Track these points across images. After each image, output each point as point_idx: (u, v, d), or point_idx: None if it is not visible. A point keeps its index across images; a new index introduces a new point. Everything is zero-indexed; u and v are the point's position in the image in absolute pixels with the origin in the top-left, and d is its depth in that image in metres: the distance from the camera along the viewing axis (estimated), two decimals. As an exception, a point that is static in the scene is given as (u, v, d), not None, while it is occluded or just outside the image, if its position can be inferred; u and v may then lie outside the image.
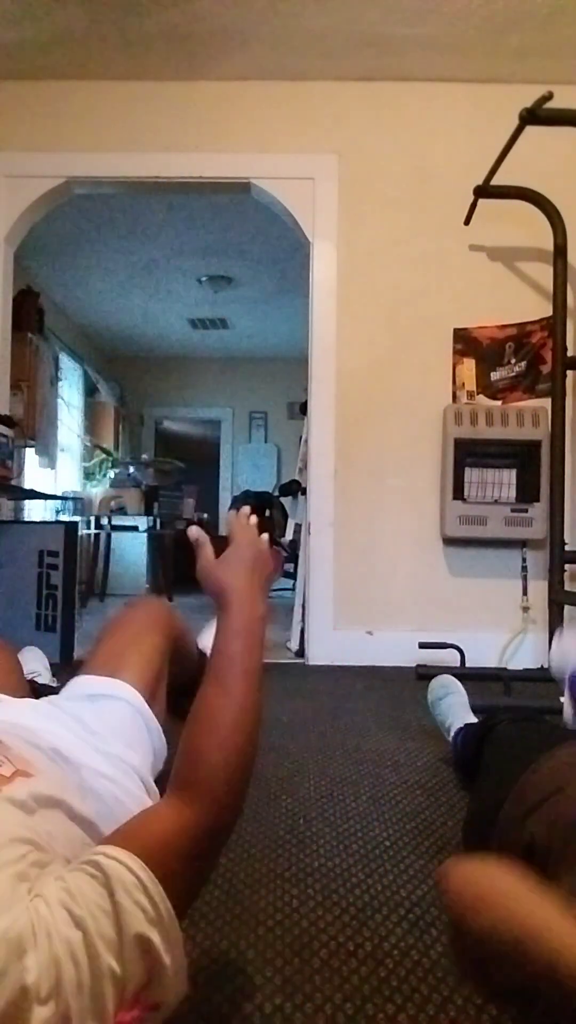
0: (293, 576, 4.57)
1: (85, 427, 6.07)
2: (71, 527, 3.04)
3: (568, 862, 0.78)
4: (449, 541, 3.02)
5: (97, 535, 5.57)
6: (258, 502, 6.31)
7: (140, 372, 7.26)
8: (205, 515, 7.70)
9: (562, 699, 1.49)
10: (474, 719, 1.61)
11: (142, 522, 5.44)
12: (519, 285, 3.07)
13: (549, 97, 2.16)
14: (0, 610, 2.92)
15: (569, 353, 2.85)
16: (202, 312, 5.97)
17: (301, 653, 3.11)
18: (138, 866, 0.58)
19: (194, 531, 0.91)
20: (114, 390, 6.69)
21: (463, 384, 3.05)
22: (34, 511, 4.39)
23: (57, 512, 4.90)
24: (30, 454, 4.57)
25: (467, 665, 2.60)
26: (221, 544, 0.90)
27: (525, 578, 3.00)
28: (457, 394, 3.05)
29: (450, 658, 2.61)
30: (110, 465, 5.88)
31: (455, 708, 1.67)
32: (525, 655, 2.95)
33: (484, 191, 2.83)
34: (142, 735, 1.04)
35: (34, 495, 4.00)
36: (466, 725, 1.58)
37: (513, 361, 3.05)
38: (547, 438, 2.86)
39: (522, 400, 3.03)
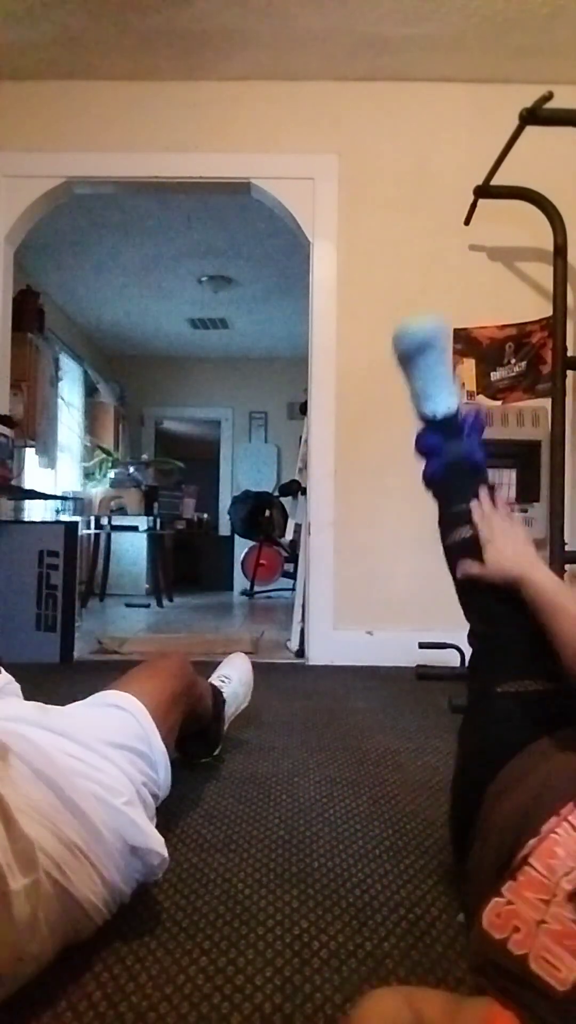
0: (293, 576, 4.57)
1: (85, 427, 6.07)
2: (71, 527, 3.04)
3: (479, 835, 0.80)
4: (449, 541, 3.01)
5: (97, 535, 5.57)
6: (258, 502, 6.32)
7: (140, 372, 7.26)
8: (205, 515, 7.71)
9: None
10: (454, 401, 1.35)
11: (142, 522, 5.44)
12: (519, 285, 3.07)
13: (549, 97, 2.15)
14: (0, 610, 2.92)
15: (569, 353, 2.84)
16: (202, 312, 5.97)
17: (301, 653, 3.11)
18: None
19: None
20: (114, 390, 6.69)
21: (463, 384, 3.05)
22: (34, 511, 4.39)
23: (57, 512, 4.90)
24: (30, 454, 4.57)
25: (467, 665, 2.60)
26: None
27: (525, 578, 2.99)
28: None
29: (450, 658, 2.61)
30: (110, 465, 5.88)
31: (436, 374, 1.42)
32: (525, 655, 2.95)
33: (484, 191, 2.83)
34: (141, 746, 1.03)
35: (34, 495, 4.00)
36: (441, 421, 1.33)
37: (513, 361, 3.05)
38: (547, 438, 2.85)
39: (522, 400, 3.03)
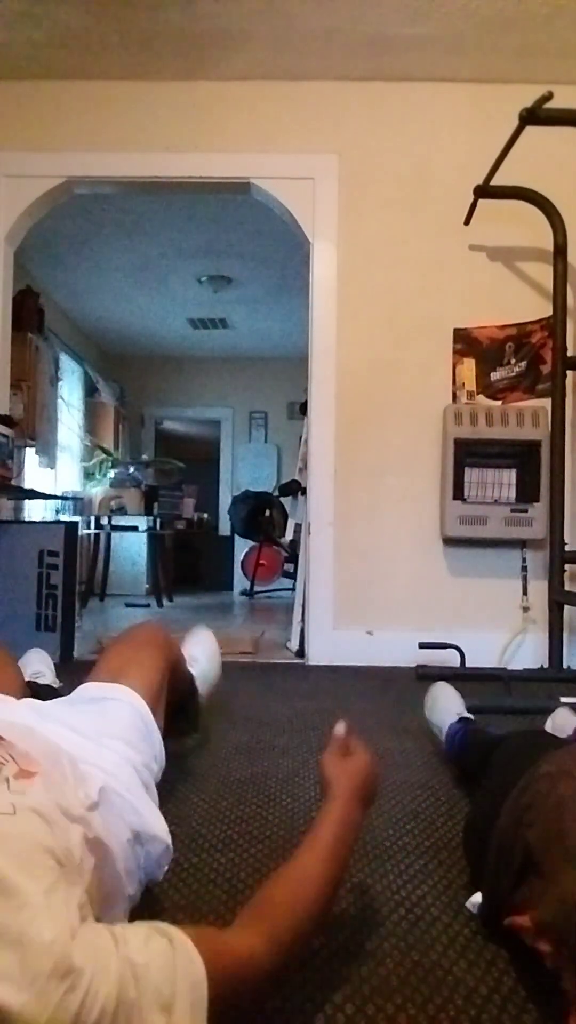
0: (293, 576, 4.58)
1: (85, 427, 6.07)
2: (71, 527, 3.04)
3: (545, 876, 0.78)
4: (449, 541, 3.02)
5: (97, 535, 5.57)
6: (258, 502, 6.32)
7: (140, 372, 7.26)
8: (205, 515, 7.71)
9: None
10: (467, 714, 1.62)
11: (142, 522, 5.44)
12: (519, 285, 3.07)
13: (549, 97, 2.16)
14: (0, 610, 2.92)
15: (569, 353, 2.85)
16: (202, 312, 5.97)
17: (301, 653, 3.11)
18: (202, 978, 0.58)
19: (340, 729, 1.00)
20: (114, 390, 6.69)
21: (463, 384, 3.05)
22: (34, 511, 4.39)
23: (57, 512, 4.90)
24: (30, 454, 4.57)
25: (467, 665, 2.60)
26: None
27: (525, 578, 3.00)
28: (457, 394, 3.05)
29: (450, 658, 2.61)
30: (110, 465, 5.87)
31: (446, 708, 1.68)
32: (525, 655, 2.95)
33: (484, 191, 2.83)
34: (143, 737, 1.04)
35: (34, 495, 4.00)
36: (463, 720, 1.58)
37: (513, 361, 3.05)
38: (547, 438, 2.86)
39: (522, 400, 3.03)
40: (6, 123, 3.09)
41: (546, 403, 2.89)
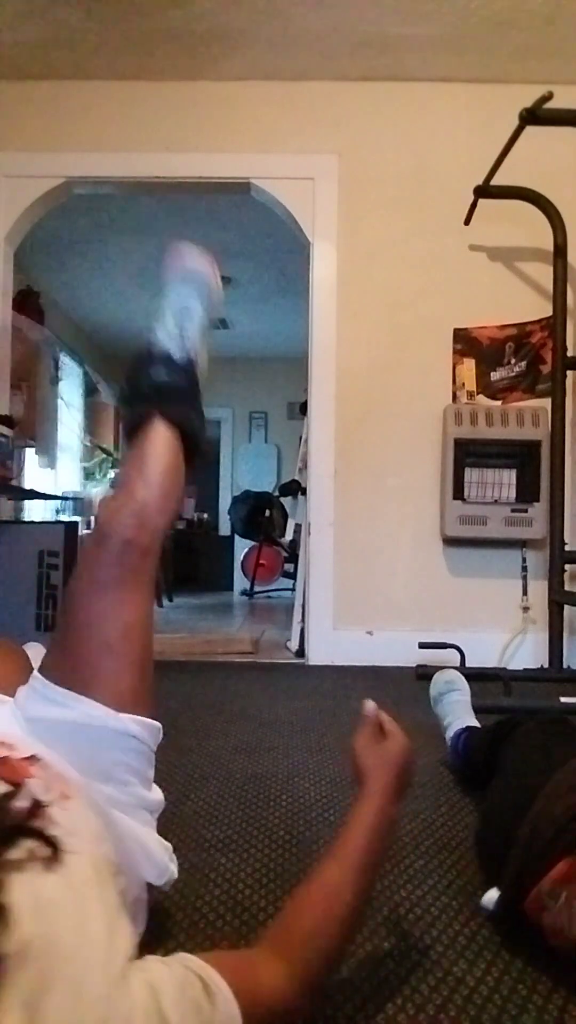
0: (293, 576, 4.57)
1: (85, 427, 6.07)
2: (71, 527, 3.04)
3: None
4: (449, 541, 3.02)
5: (97, 535, 5.55)
6: (258, 502, 6.32)
7: (140, 372, 7.25)
8: (205, 515, 7.71)
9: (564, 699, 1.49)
10: (476, 723, 1.60)
11: (142, 522, 5.43)
12: (519, 285, 3.07)
13: (549, 97, 2.16)
14: (0, 610, 2.92)
15: (569, 353, 2.85)
16: (202, 312, 5.96)
17: (301, 653, 3.11)
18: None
19: (371, 707, 0.93)
20: (114, 390, 6.69)
21: (463, 384, 3.05)
22: (34, 511, 4.39)
23: (57, 512, 4.90)
24: (30, 454, 4.57)
25: (467, 665, 2.60)
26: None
27: (525, 578, 3.00)
28: (457, 394, 3.05)
29: (450, 658, 2.61)
30: (110, 465, 5.87)
31: (457, 707, 1.65)
32: (525, 655, 2.95)
33: (484, 191, 2.83)
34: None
35: (34, 495, 4.00)
36: (468, 728, 1.57)
37: (513, 361, 3.05)
38: (547, 438, 2.86)
39: (522, 400, 3.03)
40: (6, 123, 3.09)
41: (546, 403, 2.89)
